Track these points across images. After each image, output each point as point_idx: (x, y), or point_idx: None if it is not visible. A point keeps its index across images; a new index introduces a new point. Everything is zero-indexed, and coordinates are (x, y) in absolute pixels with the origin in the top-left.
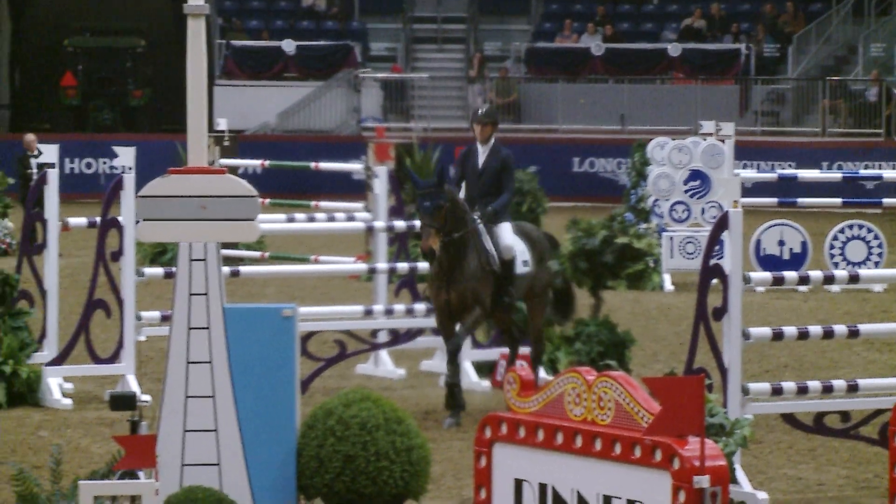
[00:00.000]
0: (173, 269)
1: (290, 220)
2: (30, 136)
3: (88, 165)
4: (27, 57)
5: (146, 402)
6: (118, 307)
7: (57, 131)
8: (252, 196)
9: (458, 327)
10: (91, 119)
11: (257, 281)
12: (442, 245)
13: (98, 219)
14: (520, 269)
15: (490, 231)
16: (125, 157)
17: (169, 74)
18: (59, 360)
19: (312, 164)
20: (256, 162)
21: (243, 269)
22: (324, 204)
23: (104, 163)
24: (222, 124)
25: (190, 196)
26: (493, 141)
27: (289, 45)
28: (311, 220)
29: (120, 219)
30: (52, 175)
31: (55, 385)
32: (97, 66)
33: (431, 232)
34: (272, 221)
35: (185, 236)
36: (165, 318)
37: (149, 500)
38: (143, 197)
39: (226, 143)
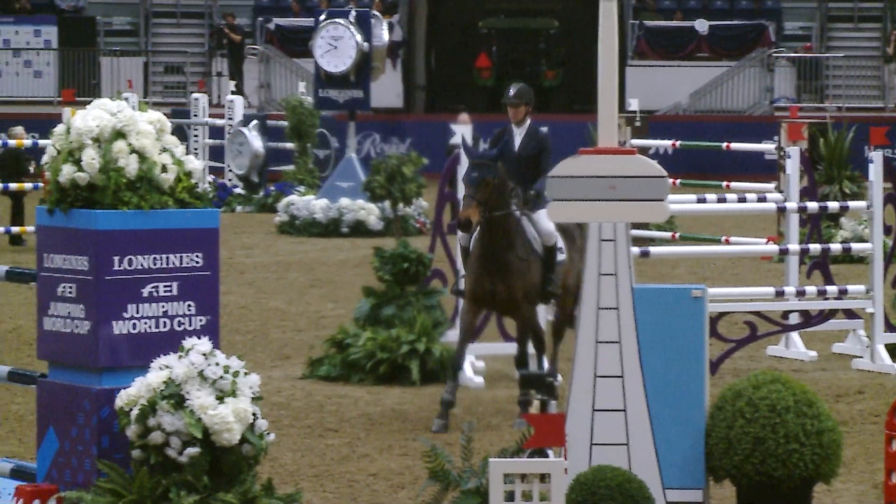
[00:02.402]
0: None
1: (701, 200)
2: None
3: None
4: (443, 39)
5: (556, 381)
6: None
7: (471, 112)
8: (662, 176)
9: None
10: None
11: (667, 261)
12: (482, 224)
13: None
14: (558, 256)
15: (528, 216)
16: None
17: (581, 55)
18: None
19: (724, 145)
20: (667, 142)
21: (653, 249)
22: (735, 184)
23: None
24: (633, 105)
25: (600, 176)
26: (528, 122)
27: (702, 25)
28: (722, 200)
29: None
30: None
31: (467, 363)
32: (511, 48)
33: (472, 203)
34: (682, 202)
35: (595, 216)
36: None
37: (558, 479)
38: (553, 177)
39: (637, 124)
